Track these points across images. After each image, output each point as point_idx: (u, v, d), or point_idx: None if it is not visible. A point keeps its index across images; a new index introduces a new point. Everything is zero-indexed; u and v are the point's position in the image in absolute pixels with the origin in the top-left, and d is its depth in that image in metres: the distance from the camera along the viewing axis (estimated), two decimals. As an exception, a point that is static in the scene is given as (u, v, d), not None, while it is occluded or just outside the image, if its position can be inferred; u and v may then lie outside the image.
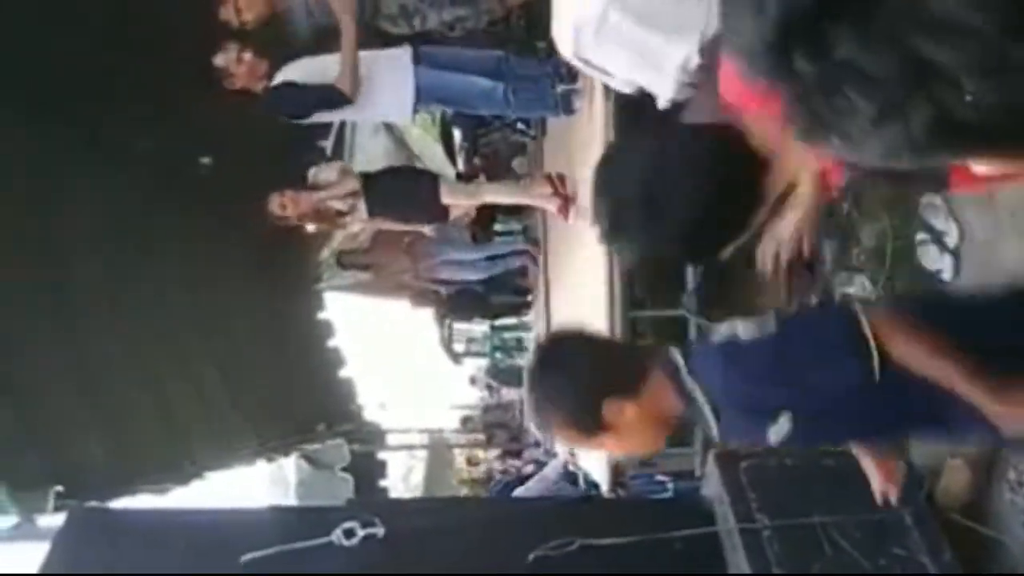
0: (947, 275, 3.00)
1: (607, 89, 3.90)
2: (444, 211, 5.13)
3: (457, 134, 8.10)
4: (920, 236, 3.11)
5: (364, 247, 7.54)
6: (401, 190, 5.00)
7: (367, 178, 5.05)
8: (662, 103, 2.38)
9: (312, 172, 5.15)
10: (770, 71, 0.50)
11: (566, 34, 2.51)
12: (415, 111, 4.54)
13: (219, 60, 4.02)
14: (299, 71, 4.10)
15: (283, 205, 4.90)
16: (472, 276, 7.55)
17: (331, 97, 4.06)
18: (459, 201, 5.39)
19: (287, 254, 7.40)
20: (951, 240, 2.97)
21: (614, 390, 1.45)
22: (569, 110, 4.44)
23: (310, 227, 5.51)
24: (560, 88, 4.38)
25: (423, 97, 4.24)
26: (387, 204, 4.99)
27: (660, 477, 4.33)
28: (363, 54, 4.05)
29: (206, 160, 5.24)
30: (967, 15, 0.42)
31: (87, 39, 4.06)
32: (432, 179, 5.16)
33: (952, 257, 2.97)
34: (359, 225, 5.62)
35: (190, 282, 5.28)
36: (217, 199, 5.55)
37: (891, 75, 0.45)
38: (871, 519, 2.49)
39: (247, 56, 4.02)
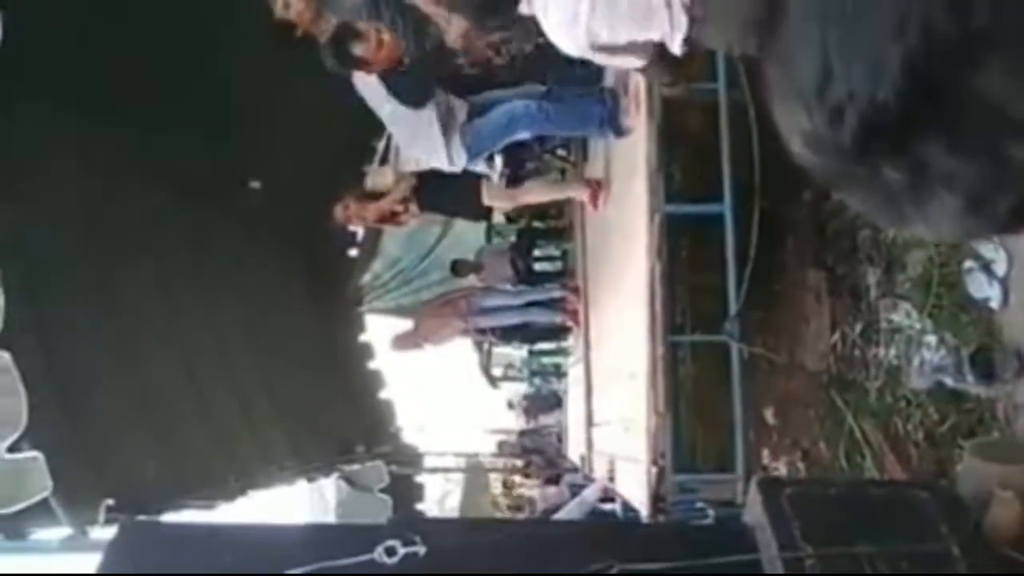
0: (995, 303, 2.96)
1: (651, 113, 3.95)
2: (487, 210, 5.49)
3: (498, 160, 8.20)
4: (968, 264, 3.07)
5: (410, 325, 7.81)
6: (448, 188, 5.23)
7: (419, 177, 5.34)
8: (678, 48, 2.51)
9: (369, 178, 5.43)
10: (846, 171, 0.50)
11: (565, 37, 2.63)
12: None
13: (357, 50, 4.02)
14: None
15: (348, 217, 5.14)
16: (514, 320, 7.65)
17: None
18: (500, 203, 5.68)
19: (332, 276, 7.54)
20: (1000, 268, 2.94)
21: None
22: (619, 130, 4.47)
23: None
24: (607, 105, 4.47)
25: (473, 155, 4.42)
26: (437, 201, 5.36)
27: (700, 504, 4.28)
28: (424, 113, 4.21)
29: (255, 184, 5.39)
30: None
31: (144, 57, 4.20)
32: (475, 179, 5.37)
33: (1000, 285, 2.93)
34: (415, 221, 5.93)
35: (239, 302, 5.40)
36: (266, 222, 5.69)
37: (980, 174, 0.46)
38: (918, 550, 2.45)
39: (386, 38, 4.03)
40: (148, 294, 4.35)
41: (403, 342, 7.76)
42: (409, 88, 4.26)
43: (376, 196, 5.44)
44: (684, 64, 2.79)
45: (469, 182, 5.28)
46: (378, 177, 5.52)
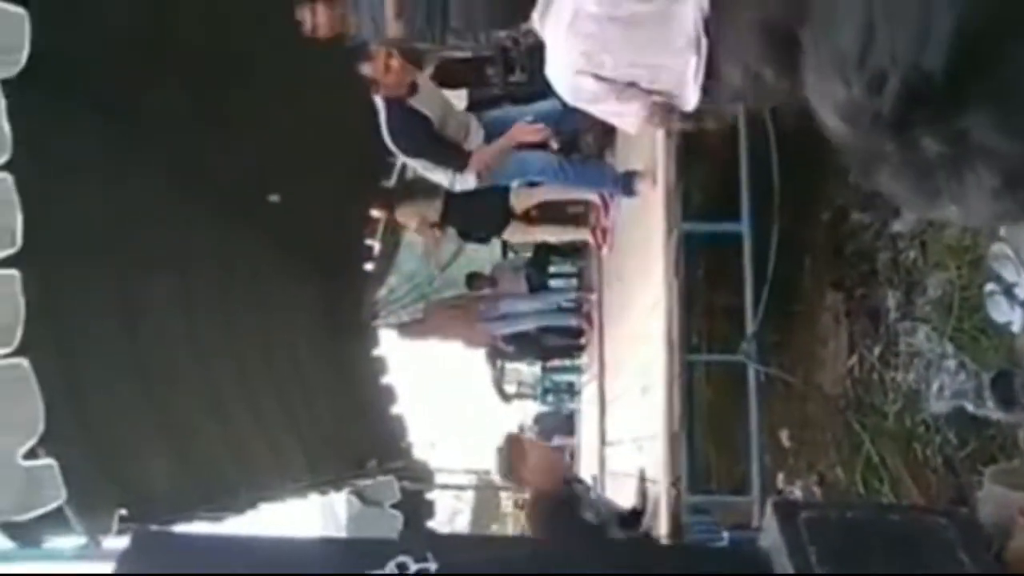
0: (1017, 327, 2.92)
1: (668, 175, 3.96)
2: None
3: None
4: (989, 287, 3.04)
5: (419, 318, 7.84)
6: (474, 208, 5.41)
7: (445, 196, 5.43)
8: (694, 101, 2.48)
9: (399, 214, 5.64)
10: (880, 144, 0.48)
11: (566, 81, 2.61)
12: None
13: (366, 69, 4.05)
14: (432, 105, 4.20)
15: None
16: (528, 326, 7.65)
17: (453, 159, 4.25)
18: (515, 238, 5.80)
19: (347, 290, 7.57)
20: (1022, 292, 2.90)
21: None
22: (630, 191, 4.50)
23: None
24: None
25: (482, 182, 4.46)
26: (462, 221, 5.47)
27: (714, 526, 4.24)
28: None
29: (274, 198, 5.43)
30: None
31: (168, 68, 4.25)
32: (501, 200, 5.49)
33: (1023, 309, 2.89)
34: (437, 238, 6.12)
35: (257, 313, 5.43)
36: (284, 235, 5.73)
37: (1019, 152, 0.45)
38: (937, 577, 2.41)
39: (395, 63, 4.03)
40: (167, 306, 4.38)
41: (410, 331, 7.79)
42: (403, 128, 4.23)
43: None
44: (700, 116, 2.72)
45: (495, 203, 5.38)
46: (402, 216, 5.74)
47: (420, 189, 5.83)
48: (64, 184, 3.60)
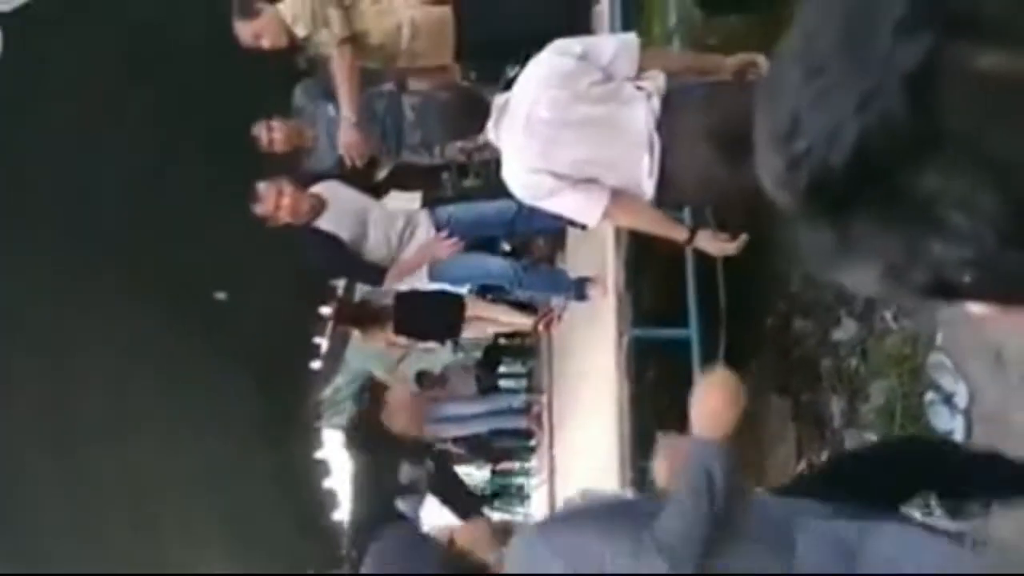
0: (959, 436, 2.98)
1: (619, 239, 4.04)
2: (458, 330, 5.61)
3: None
4: (929, 396, 3.11)
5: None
6: (426, 309, 5.32)
7: (396, 298, 5.37)
8: (651, 193, 2.55)
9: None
10: (799, 218, 0.52)
11: (521, 179, 2.67)
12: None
13: (258, 209, 4.08)
14: (343, 221, 4.19)
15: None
16: (478, 429, 7.54)
17: (368, 276, 4.25)
18: (467, 333, 5.77)
19: (291, 391, 7.39)
20: (961, 400, 2.97)
21: None
22: (582, 296, 4.57)
23: None
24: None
25: (433, 280, 4.48)
26: (413, 324, 5.39)
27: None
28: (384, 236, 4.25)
29: (221, 295, 5.34)
30: (972, 220, 0.47)
31: (116, 157, 4.22)
32: (454, 302, 5.47)
33: (964, 418, 2.96)
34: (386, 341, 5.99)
35: (192, 420, 5.25)
36: (228, 334, 5.61)
37: (901, 252, 0.50)
38: None
39: (286, 196, 4.06)
40: (102, 410, 4.21)
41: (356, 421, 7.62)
42: (313, 250, 4.24)
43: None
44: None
45: (448, 306, 5.35)
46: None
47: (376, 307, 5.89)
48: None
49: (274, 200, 4.06)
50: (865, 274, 0.52)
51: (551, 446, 6.19)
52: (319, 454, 7.97)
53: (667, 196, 2.66)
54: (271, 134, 4.34)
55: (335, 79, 4.07)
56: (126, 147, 4.29)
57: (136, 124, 4.33)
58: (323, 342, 7.59)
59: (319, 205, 4.18)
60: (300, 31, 3.94)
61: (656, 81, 2.63)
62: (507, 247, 6.27)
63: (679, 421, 4.31)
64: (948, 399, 3.02)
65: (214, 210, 4.96)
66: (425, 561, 2.75)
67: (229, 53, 3.98)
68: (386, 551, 2.95)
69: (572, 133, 2.59)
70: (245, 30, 3.88)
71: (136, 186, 4.45)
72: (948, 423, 3.00)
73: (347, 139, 4.07)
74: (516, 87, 2.70)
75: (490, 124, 2.74)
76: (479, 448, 8.01)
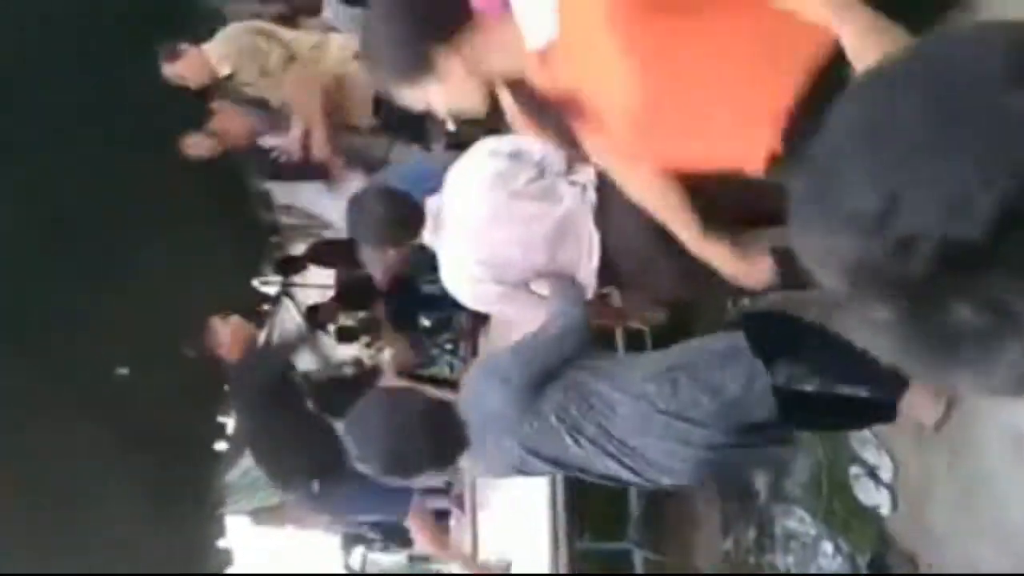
0: (885, 510, 3.01)
1: None
2: None
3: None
4: (854, 470, 3.14)
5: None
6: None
7: None
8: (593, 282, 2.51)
9: None
10: (897, 308, 0.47)
11: (465, 289, 2.59)
12: None
13: (206, 342, 4.13)
14: None
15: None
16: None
17: None
18: None
19: (193, 473, 6.96)
20: (885, 474, 3.01)
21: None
22: None
23: None
24: None
25: None
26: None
27: None
28: None
29: (123, 371, 5.03)
30: None
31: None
32: None
33: (888, 491, 2.99)
34: None
35: (84, 505, 4.85)
36: (126, 412, 5.26)
37: None
38: None
39: (234, 320, 4.17)
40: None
41: (264, 518, 7.23)
42: (243, 391, 4.23)
43: None
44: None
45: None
46: None
47: None
48: None
49: (216, 333, 4.17)
50: (1009, 362, 0.46)
51: (474, 528, 5.97)
52: (222, 543, 7.50)
53: (607, 281, 2.63)
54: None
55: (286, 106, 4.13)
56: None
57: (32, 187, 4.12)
58: (229, 421, 7.21)
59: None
60: (224, 70, 4.00)
61: (589, 173, 2.59)
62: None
63: (609, 504, 4.23)
64: (873, 472, 3.06)
65: (115, 282, 4.73)
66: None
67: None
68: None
69: (512, 231, 2.52)
70: (169, 71, 3.98)
71: (31, 251, 4.21)
72: (875, 497, 3.03)
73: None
74: (449, 190, 2.64)
75: (426, 232, 2.66)
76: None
